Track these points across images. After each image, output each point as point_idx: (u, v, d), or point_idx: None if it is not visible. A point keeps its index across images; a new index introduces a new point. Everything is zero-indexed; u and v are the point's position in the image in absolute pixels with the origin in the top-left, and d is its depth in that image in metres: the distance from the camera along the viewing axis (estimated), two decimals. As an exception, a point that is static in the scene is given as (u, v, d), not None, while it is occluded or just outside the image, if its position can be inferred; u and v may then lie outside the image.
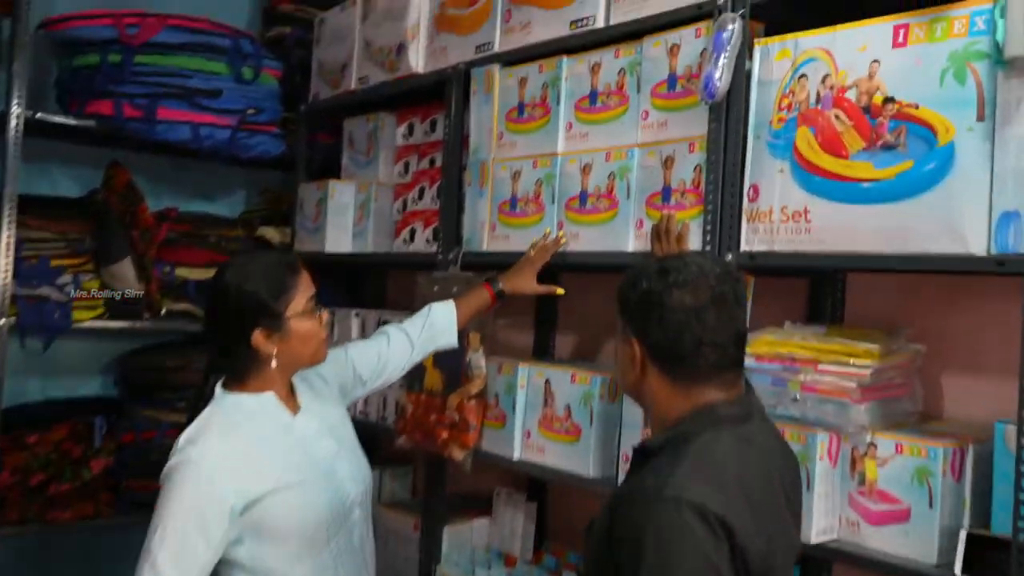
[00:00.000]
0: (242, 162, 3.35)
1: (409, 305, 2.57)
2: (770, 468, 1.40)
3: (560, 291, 2.27)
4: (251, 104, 3.10)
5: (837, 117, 1.71)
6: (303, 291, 1.83)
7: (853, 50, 1.70)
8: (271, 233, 3.42)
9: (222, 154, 3.13)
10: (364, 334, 3.04)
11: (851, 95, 1.69)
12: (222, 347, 1.85)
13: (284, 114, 3.32)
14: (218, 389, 1.84)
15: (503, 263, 2.47)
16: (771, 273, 2.00)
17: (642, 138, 2.10)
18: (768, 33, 1.89)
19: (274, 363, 1.81)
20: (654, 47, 2.08)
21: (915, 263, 1.61)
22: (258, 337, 1.78)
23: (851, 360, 1.70)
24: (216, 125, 3.03)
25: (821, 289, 2.12)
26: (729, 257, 1.87)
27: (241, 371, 1.83)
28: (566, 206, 2.25)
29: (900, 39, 1.63)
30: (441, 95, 2.67)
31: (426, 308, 2.21)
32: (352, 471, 1.89)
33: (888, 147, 1.63)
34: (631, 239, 2.10)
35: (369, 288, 3.53)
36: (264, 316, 1.79)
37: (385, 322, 2.96)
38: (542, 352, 2.80)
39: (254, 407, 1.82)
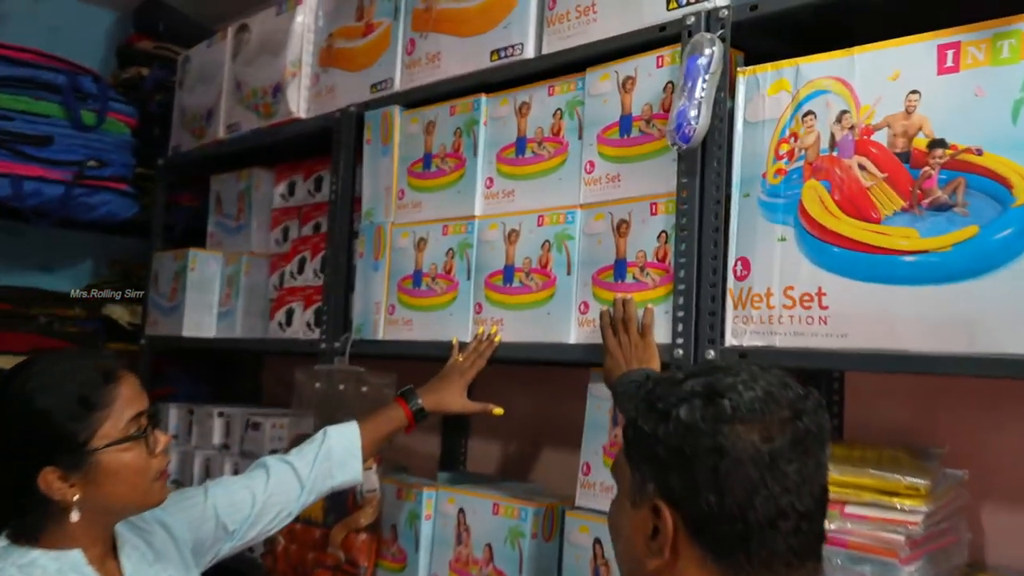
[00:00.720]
0: (85, 225, 2.75)
1: (287, 398, 2.02)
2: None
3: (499, 411, 1.72)
4: (92, 155, 2.53)
5: (862, 167, 1.26)
6: (122, 409, 1.27)
7: (881, 78, 1.26)
8: (119, 312, 2.82)
9: (54, 215, 2.53)
10: (229, 438, 2.46)
11: (881, 137, 1.25)
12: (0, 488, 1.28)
13: (138, 169, 2.75)
14: (1, 542, 1.26)
15: (403, 356, 1.94)
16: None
17: (586, 197, 1.62)
18: (747, 64, 1.45)
19: (74, 515, 1.24)
20: (601, 81, 1.62)
21: (988, 368, 1.15)
22: (48, 478, 1.22)
23: (896, 502, 1.22)
24: (45, 179, 2.44)
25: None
26: (711, 355, 1.39)
27: (32, 522, 1.26)
28: (486, 284, 1.75)
29: (949, 62, 1.20)
30: (328, 145, 2.16)
31: (320, 433, 1.64)
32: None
33: (940, 207, 1.18)
34: (573, 328, 1.61)
35: (239, 381, 2.94)
36: (58, 449, 1.23)
37: (257, 424, 2.39)
38: (451, 463, 2.26)
39: (51, 571, 1.24)
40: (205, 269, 2.53)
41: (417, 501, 1.83)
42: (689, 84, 1.38)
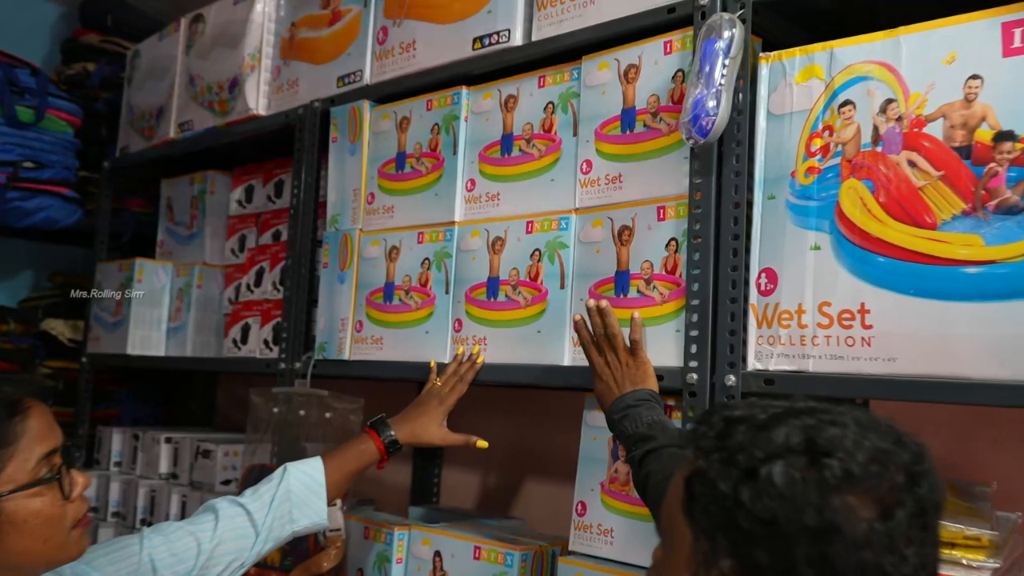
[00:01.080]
0: (21, 233, 2.52)
1: (241, 422, 1.81)
2: None
3: (483, 444, 1.51)
4: (29, 155, 2.29)
5: (912, 164, 1.09)
6: (30, 446, 1.06)
7: (933, 62, 1.09)
8: (59, 328, 2.58)
9: (-17, 221, 2.29)
10: (178, 467, 2.23)
11: (935, 129, 1.08)
12: None
13: (82, 172, 2.52)
14: None
15: (373, 378, 1.74)
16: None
17: (582, 200, 1.43)
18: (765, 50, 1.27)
19: None
20: (599, 70, 1.43)
21: (1072, 400, 0.98)
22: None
23: (960, 555, 1.04)
24: (-27, 181, 2.20)
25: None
26: (731, 381, 1.21)
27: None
28: (467, 298, 1.56)
29: (1016, 42, 1.04)
30: (289, 145, 1.96)
31: (279, 471, 1.41)
32: None
33: (1009, 210, 1.01)
34: (567, 348, 1.42)
35: (189, 404, 2.71)
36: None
37: (208, 451, 2.17)
38: (423, 495, 2.06)
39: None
40: (153, 281, 2.31)
41: (387, 542, 1.62)
42: (706, 70, 1.21)
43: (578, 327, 1.33)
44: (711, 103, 1.19)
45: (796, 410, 0.72)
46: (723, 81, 1.20)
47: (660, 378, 1.28)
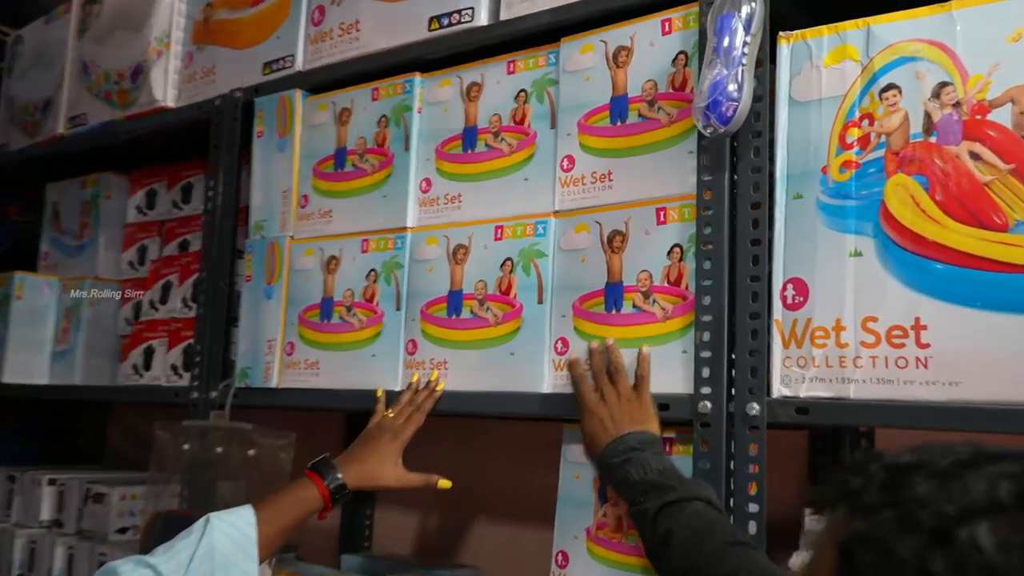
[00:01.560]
0: None
1: (143, 460, 1.55)
2: None
3: (446, 484, 1.29)
4: None
5: (975, 157, 0.94)
6: None
7: (996, 39, 0.95)
8: (-79, 353, 2.23)
9: None
10: (63, 513, 1.94)
11: (1002, 116, 0.93)
12: None
13: (-50, 174, 2.20)
14: None
15: (307, 408, 1.51)
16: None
17: (564, 202, 1.24)
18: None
19: None
20: (581, 54, 1.25)
21: None
22: None
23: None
24: None
25: (827, 449, 1.33)
26: (754, 410, 1.03)
27: None
28: (423, 315, 1.35)
29: (1097, 16, 0.90)
30: (202, 143, 1.71)
31: (201, 522, 1.14)
32: None
33: (1099, 208, 0.87)
34: (547, 373, 1.22)
35: (78, 439, 2.39)
36: None
37: (100, 494, 1.88)
38: (354, 540, 1.82)
39: None
40: (36, 298, 2.01)
41: (325, 601, 1.39)
42: (724, 49, 1.04)
43: (573, 363, 1.15)
44: (731, 86, 1.02)
45: (988, 454, 0.54)
46: (745, 61, 1.04)
47: (665, 407, 1.10)
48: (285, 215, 1.54)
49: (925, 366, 0.94)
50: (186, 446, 1.58)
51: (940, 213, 0.95)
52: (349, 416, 1.85)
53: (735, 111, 1.02)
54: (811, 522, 1.15)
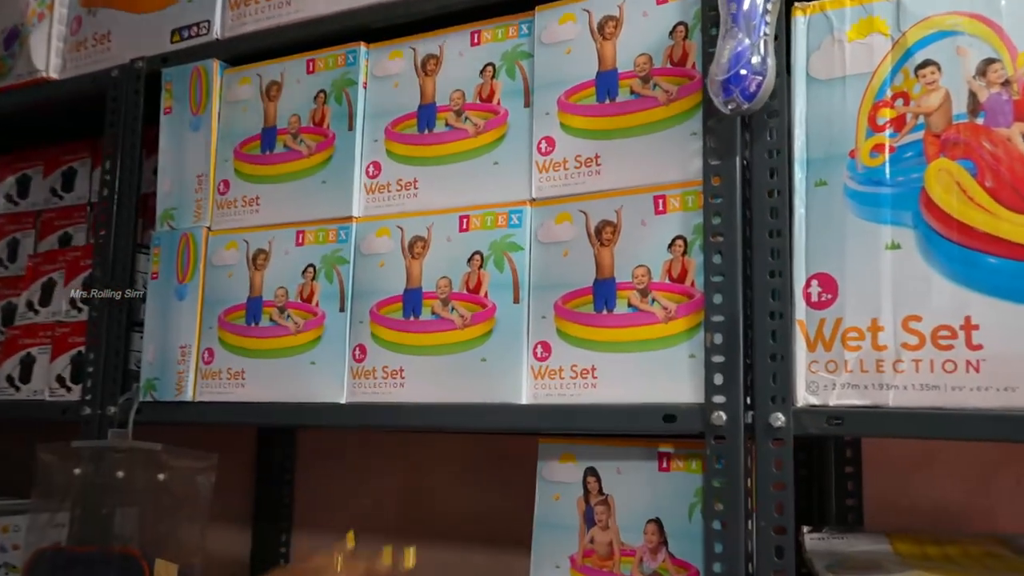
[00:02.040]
0: None
1: (23, 489, 1.33)
2: None
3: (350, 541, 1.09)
4: None
5: (1030, 139, 0.86)
6: None
7: (1048, 12, 0.87)
8: None
9: None
10: (-83, 550, 1.65)
11: (1060, 96, 0.85)
12: None
13: None
14: None
15: (230, 425, 1.32)
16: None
17: (542, 189, 1.11)
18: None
19: None
20: (560, 24, 1.12)
21: None
22: None
23: None
24: None
25: (808, 460, 1.25)
26: (779, 421, 0.92)
27: None
28: (373, 316, 1.18)
29: None
30: (92, 121, 1.49)
31: None
32: None
33: None
34: (525, 382, 1.08)
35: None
36: None
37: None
38: (266, 567, 1.63)
39: None
40: None
41: (256, 647, 1.21)
42: (745, 10, 0.92)
43: None
44: (755, 58, 0.91)
45: None
46: (767, 31, 0.93)
47: (671, 418, 0.98)
48: (201, 203, 1.34)
49: (976, 370, 0.85)
50: (77, 471, 1.36)
51: (991, 201, 0.86)
52: (262, 433, 1.65)
53: (759, 86, 0.91)
54: (811, 541, 1.05)
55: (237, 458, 1.68)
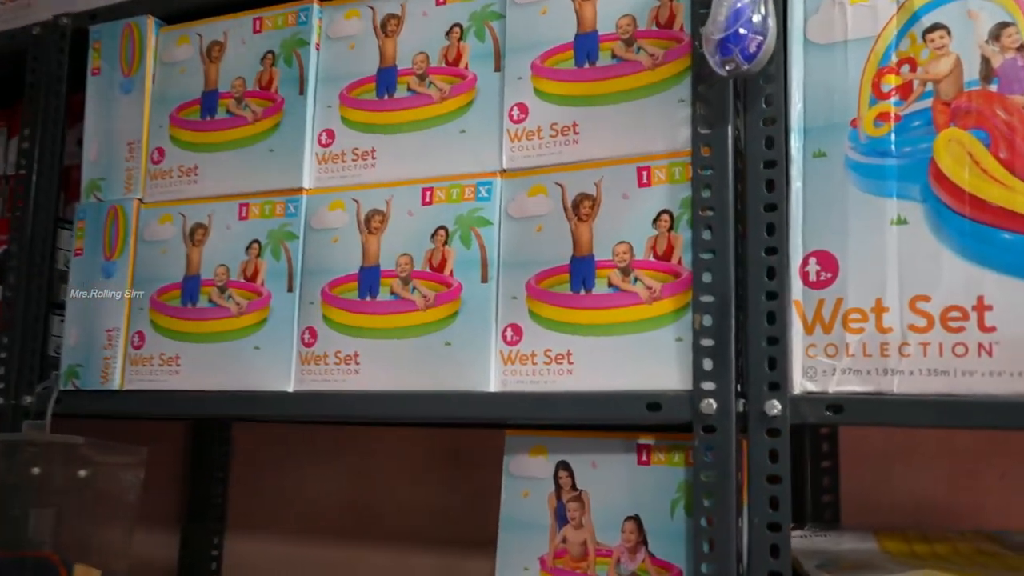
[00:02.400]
0: None
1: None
2: None
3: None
4: None
5: (1048, 108, 0.80)
6: None
7: (1066, -26, 0.82)
8: None
9: None
10: None
11: (1079, 63, 0.80)
12: None
13: None
14: None
15: (165, 417, 1.21)
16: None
17: (514, 159, 1.02)
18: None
19: None
20: (535, -17, 1.04)
21: None
22: None
23: None
24: None
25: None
26: (775, 409, 0.85)
27: None
28: (325, 296, 1.08)
29: None
30: (15, 85, 1.36)
31: None
32: None
33: None
34: (493, 368, 1.00)
35: None
36: None
37: None
38: (192, 570, 1.51)
39: None
40: None
41: (189, 660, 1.10)
42: (743, -30, 0.85)
43: None
44: (756, 16, 0.84)
45: None
46: (768, -13, 0.86)
47: (655, 406, 0.90)
48: (132, 173, 1.23)
49: (989, 354, 0.79)
50: (-12, 466, 1.23)
51: (1006, 173, 0.80)
52: (195, 425, 1.54)
53: (760, 47, 0.84)
54: (794, 539, 0.99)
55: (166, 452, 1.56)
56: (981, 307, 0.80)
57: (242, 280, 1.13)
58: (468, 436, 1.34)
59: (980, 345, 0.80)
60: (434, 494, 1.37)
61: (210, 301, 1.14)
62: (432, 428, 1.37)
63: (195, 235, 1.17)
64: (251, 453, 1.53)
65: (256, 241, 1.13)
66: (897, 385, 0.82)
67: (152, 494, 1.52)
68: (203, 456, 1.54)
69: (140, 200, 1.21)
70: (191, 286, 1.16)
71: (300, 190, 1.12)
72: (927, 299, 0.82)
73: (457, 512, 1.34)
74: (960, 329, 0.80)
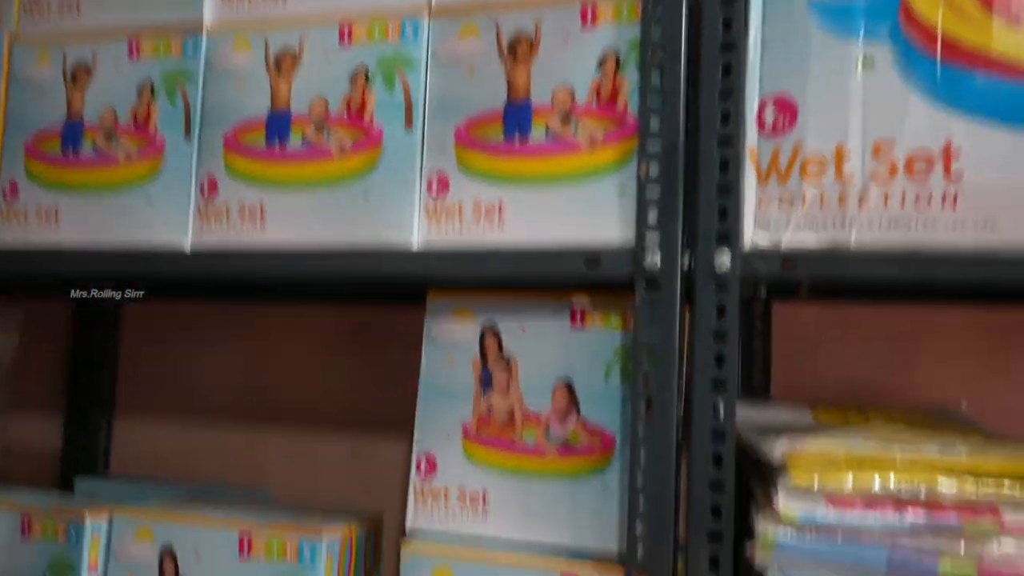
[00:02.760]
0: None
1: None
2: None
3: None
4: None
5: (1029, -59, 0.75)
6: None
7: None
8: None
9: None
10: None
11: None
12: None
13: None
14: None
15: (44, 275, 1.09)
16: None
17: (444, -7, 0.92)
18: None
19: None
20: None
21: None
22: None
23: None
24: None
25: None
26: (723, 265, 0.79)
27: None
28: (227, 142, 0.97)
29: None
30: None
31: None
32: None
33: None
34: (416, 221, 0.91)
35: None
36: None
37: None
38: (85, 463, 1.40)
39: None
40: None
41: (72, 540, 1.00)
42: None
43: None
44: None
45: None
46: None
47: (594, 261, 0.83)
48: (3, 5, 1.08)
49: (953, 204, 0.75)
50: None
51: (980, 12, 0.75)
52: (79, 308, 1.40)
53: None
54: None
55: (47, 339, 1.42)
56: (948, 153, 0.75)
57: (132, 125, 1.00)
58: (378, 312, 1.26)
59: (944, 194, 0.75)
60: (342, 374, 1.29)
61: (94, 148, 1.02)
62: (338, 305, 1.28)
63: (77, 75, 1.03)
64: (141, 334, 1.41)
65: (148, 81, 1.00)
66: (855, 237, 0.77)
67: (33, 382, 1.40)
68: (88, 338, 1.41)
69: (13, 34, 1.07)
70: (73, 131, 1.03)
71: (200, 26, 0.99)
72: (891, 143, 0.76)
73: (366, 392, 1.27)
74: (926, 177, 0.75)
